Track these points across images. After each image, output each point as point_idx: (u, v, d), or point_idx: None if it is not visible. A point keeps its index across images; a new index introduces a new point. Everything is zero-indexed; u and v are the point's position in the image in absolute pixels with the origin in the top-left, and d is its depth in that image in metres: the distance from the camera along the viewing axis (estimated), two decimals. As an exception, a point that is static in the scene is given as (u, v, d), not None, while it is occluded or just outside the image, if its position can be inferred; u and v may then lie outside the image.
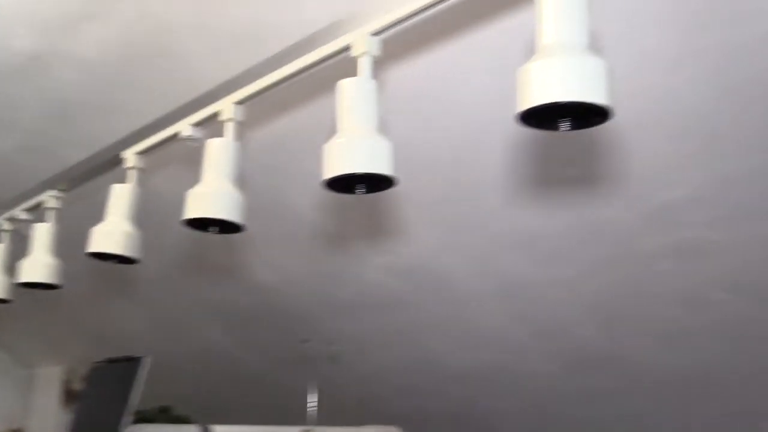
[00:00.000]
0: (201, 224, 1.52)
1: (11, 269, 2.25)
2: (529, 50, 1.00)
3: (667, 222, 2.50)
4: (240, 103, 1.53)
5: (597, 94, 0.93)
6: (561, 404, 3.57)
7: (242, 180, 1.52)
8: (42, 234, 2.11)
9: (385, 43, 1.29)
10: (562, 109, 0.98)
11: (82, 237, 1.87)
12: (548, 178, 2.57)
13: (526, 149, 2.46)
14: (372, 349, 3.78)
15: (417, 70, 2.24)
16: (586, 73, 0.93)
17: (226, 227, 1.51)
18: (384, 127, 1.26)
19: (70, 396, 5.57)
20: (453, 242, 2.93)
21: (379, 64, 1.27)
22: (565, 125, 1.02)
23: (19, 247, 2.23)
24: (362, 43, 1.27)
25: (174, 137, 1.70)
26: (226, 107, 1.53)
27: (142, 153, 1.81)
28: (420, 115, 2.42)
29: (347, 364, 3.88)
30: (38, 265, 2.08)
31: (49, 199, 2.14)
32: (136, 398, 2.58)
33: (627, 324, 3.01)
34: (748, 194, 2.31)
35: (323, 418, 2.97)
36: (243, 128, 1.56)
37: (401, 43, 2.16)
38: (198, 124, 1.63)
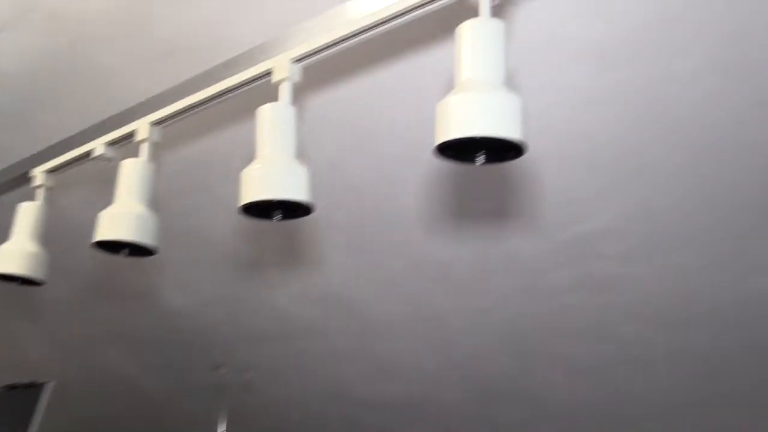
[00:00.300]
0: (112, 247, 1.48)
1: None
2: (449, 85, 1.02)
3: (578, 255, 2.58)
4: (157, 123, 1.50)
5: (511, 129, 0.95)
6: (472, 434, 3.60)
7: (157, 203, 1.49)
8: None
9: (310, 70, 1.29)
10: (478, 143, 1.00)
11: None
12: (464, 210, 2.61)
13: (445, 180, 2.49)
14: (285, 377, 3.73)
15: (341, 98, 2.25)
16: (501, 109, 0.96)
17: (137, 250, 1.47)
18: (304, 153, 1.26)
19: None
20: (368, 271, 2.94)
21: (304, 90, 1.28)
22: (480, 159, 1.04)
23: None
24: (283, 69, 1.27)
25: (87, 156, 1.65)
26: (143, 127, 1.50)
27: (53, 171, 1.75)
28: (340, 144, 2.43)
29: (259, 393, 3.82)
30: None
31: (-50, 215, 2.04)
32: (35, 426, 2.47)
33: (537, 355, 3.08)
34: (659, 227, 2.40)
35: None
36: (160, 150, 1.53)
37: (326, 70, 2.17)
38: (112, 144, 1.59)
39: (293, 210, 1.24)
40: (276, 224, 2.66)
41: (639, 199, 2.32)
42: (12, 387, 2.76)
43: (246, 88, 1.37)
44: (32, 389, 2.63)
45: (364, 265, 2.93)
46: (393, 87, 2.19)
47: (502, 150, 1.00)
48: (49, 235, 1.75)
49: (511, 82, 1.00)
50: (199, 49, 2.13)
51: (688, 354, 2.81)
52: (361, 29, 1.19)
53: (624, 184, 2.29)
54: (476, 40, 1.00)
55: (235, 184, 1.19)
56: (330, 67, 2.15)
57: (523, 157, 0.99)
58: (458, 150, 1.02)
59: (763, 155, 2.09)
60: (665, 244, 2.45)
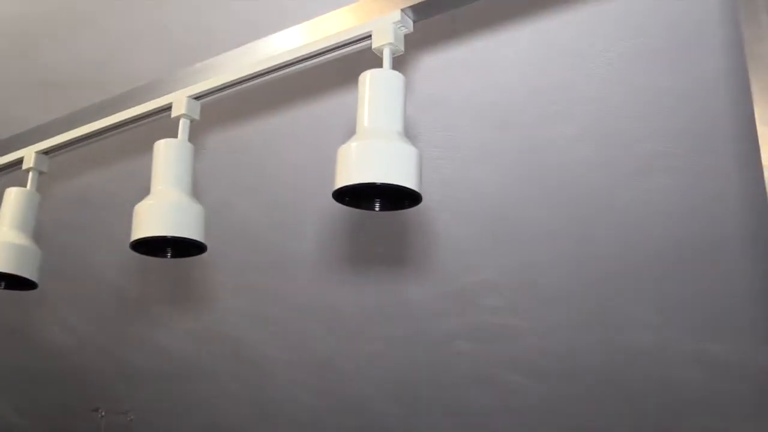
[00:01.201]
0: (-8, 279, 1.41)
1: None
2: (350, 129, 1.03)
3: (466, 304, 2.63)
4: (45, 153, 1.45)
5: (409, 179, 0.97)
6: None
7: (41, 236, 1.43)
8: None
9: (210, 108, 1.28)
10: (376, 190, 1.02)
11: None
12: (357, 255, 2.63)
13: (338, 226, 2.51)
14: (167, 419, 3.61)
15: (240, 138, 2.24)
16: (400, 157, 0.98)
17: (16, 283, 1.41)
18: (199, 191, 1.25)
19: None
20: (256, 313, 2.90)
21: (204, 127, 1.27)
22: (377, 205, 1.06)
23: None
24: (182, 105, 1.25)
25: (-35, 183, 1.57)
26: (29, 155, 1.45)
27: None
28: (235, 184, 2.41)
29: (138, 436, 3.67)
30: None
31: None
32: None
33: (424, 402, 3.10)
34: (536, 283, 2.49)
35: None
36: (48, 181, 1.48)
37: (227, 109, 2.16)
38: (-5, 171, 1.53)
39: (186, 248, 1.22)
40: (164, 262, 2.59)
41: (519, 255, 2.41)
42: None
43: (144, 122, 1.35)
44: None
45: (252, 307, 2.89)
46: (293, 131, 2.20)
47: (399, 198, 1.02)
48: None
49: (408, 133, 1.03)
50: (88, 82, 2.08)
51: (564, 403, 2.90)
52: (264, 71, 1.19)
53: (507, 240, 2.37)
54: (377, 90, 1.03)
55: (126, 219, 1.16)
56: (231, 107, 2.15)
57: (417, 206, 1.01)
58: (355, 196, 1.04)
59: (634, 223, 2.21)
60: (542, 300, 2.54)
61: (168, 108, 1.29)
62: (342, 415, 3.26)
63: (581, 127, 1.98)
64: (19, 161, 1.47)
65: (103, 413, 2.90)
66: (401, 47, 1.05)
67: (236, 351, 3.09)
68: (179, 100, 1.26)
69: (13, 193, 1.43)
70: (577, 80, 1.88)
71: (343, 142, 0.98)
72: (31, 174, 1.45)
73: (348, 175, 0.97)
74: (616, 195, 2.15)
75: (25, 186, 1.45)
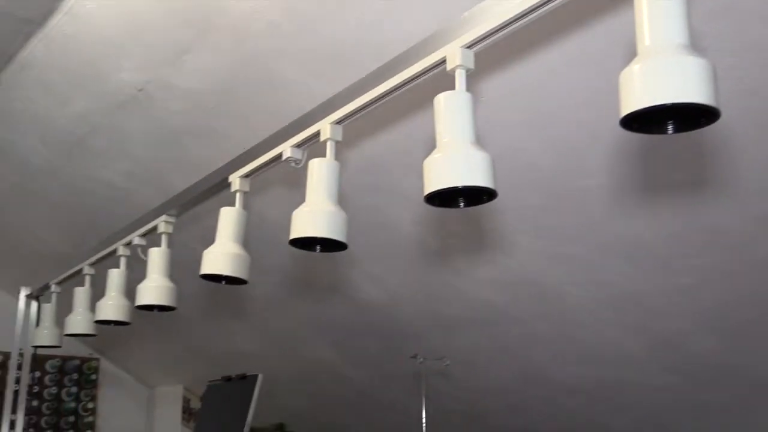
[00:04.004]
0: (306, 243, 1.55)
1: (130, 293, 2.35)
2: (631, 53, 0.97)
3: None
4: (338, 122, 1.56)
5: (703, 94, 0.89)
6: (679, 418, 3.43)
7: (343, 199, 1.55)
8: (157, 258, 2.20)
9: (480, 55, 1.28)
10: (668, 112, 0.95)
11: (194, 260, 1.94)
12: (655, 183, 2.48)
13: (632, 153, 2.39)
14: (480, 364, 3.74)
15: (514, 80, 2.22)
16: (691, 73, 0.90)
17: (330, 246, 1.54)
18: (482, 138, 1.26)
19: (189, 413, 5.77)
20: (557, 253, 2.87)
21: (478, 75, 1.27)
22: (670, 128, 0.99)
23: (137, 271, 2.34)
24: (456, 57, 1.27)
25: (277, 159, 1.74)
26: (325, 127, 1.56)
27: (247, 176, 1.86)
28: (518, 127, 2.39)
29: (456, 380, 3.85)
30: (155, 287, 2.17)
31: (162, 224, 2.23)
32: (251, 415, 2.64)
33: (748, 334, 2.87)
34: None
35: (434, 434, 2.96)
36: (341, 148, 1.58)
37: (496, 53, 2.14)
38: (298, 146, 1.67)
39: (477, 195, 1.24)
40: (460, 211, 2.67)
41: None
42: (228, 379, 2.97)
43: (420, 79, 1.38)
44: (245, 381, 2.82)
45: (551, 249, 2.87)
46: (566, 69, 2.12)
47: (694, 116, 0.94)
48: (248, 236, 1.87)
49: (696, 45, 0.94)
50: (365, 49, 2.18)
51: None
52: (531, 8, 1.16)
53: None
54: (658, 3, 0.95)
55: (416, 176, 1.21)
56: (500, 50, 2.13)
57: (715, 123, 0.93)
58: (644, 121, 0.97)
59: None
60: None
61: (443, 62, 1.31)
62: (656, 351, 3.13)
63: None
64: (317, 134, 1.60)
65: (421, 359, 3.08)
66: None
67: (541, 294, 3.10)
68: (453, 52, 1.28)
69: (316, 164, 1.55)
70: None
71: (625, 65, 0.93)
72: (328, 144, 1.57)
73: (635, 100, 0.91)
74: None
75: (321, 156, 1.57)
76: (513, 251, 2.93)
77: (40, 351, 3.28)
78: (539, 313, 3.24)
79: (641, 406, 3.45)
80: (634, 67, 0.92)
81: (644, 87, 0.91)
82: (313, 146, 1.65)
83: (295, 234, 1.50)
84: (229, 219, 1.84)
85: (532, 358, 3.53)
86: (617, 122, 0.95)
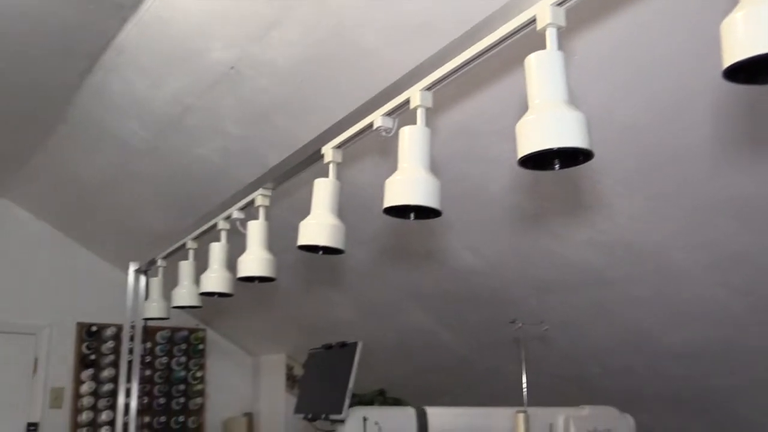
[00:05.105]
0: (400, 211, 1.56)
1: (231, 265, 2.43)
2: (732, 1, 0.92)
3: None
4: (427, 89, 1.55)
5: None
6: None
7: (435, 166, 1.54)
8: (255, 230, 2.26)
9: (569, 12, 1.25)
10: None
11: (291, 231, 1.98)
12: (761, 137, 2.36)
13: (736, 106, 2.28)
14: (579, 327, 3.69)
15: (607, 35, 2.14)
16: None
17: (424, 213, 1.54)
18: (574, 98, 1.23)
19: (292, 380, 5.94)
20: (657, 212, 2.78)
21: (568, 34, 1.24)
22: (777, 77, 0.94)
23: (236, 244, 2.41)
24: (547, 15, 1.24)
25: (368, 129, 1.75)
26: (415, 94, 1.56)
27: (339, 147, 1.88)
28: (610, 85, 2.32)
29: (556, 345, 3.82)
30: (255, 259, 2.23)
31: (259, 197, 2.28)
32: (352, 381, 2.69)
33: None
34: None
35: (536, 399, 2.94)
36: (432, 115, 1.57)
37: (586, 11, 2.08)
38: (389, 114, 1.67)
39: (572, 156, 1.22)
40: (555, 174, 2.62)
41: None
42: (328, 347, 3.03)
43: (510, 40, 1.36)
44: (345, 348, 2.87)
45: (652, 208, 2.78)
46: (661, 15, 2.04)
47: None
48: (342, 206, 1.89)
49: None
50: (451, 14, 2.15)
51: None
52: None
53: None
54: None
55: (507, 140, 1.19)
56: (591, 5, 2.06)
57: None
58: (749, 71, 0.93)
59: None
60: None
61: (533, 21, 1.28)
62: (763, 313, 3.00)
63: None
64: (407, 102, 1.59)
65: (520, 324, 3.06)
66: None
67: (639, 255, 3.02)
68: (543, 10, 1.25)
69: (407, 132, 1.55)
70: None
71: (723, 16, 0.88)
72: (419, 111, 1.56)
73: (740, 49, 0.87)
74: None
75: (412, 124, 1.56)
76: (611, 212, 2.86)
77: (150, 323, 3.43)
78: (639, 275, 3.15)
79: (746, 368, 3.33)
80: (737, 15, 0.87)
81: (749, 35, 0.86)
82: (403, 114, 1.65)
83: (389, 202, 1.51)
84: (323, 190, 1.87)
85: (633, 321, 3.45)
86: (719, 74, 0.90)
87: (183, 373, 5.93)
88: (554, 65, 1.22)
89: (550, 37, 1.23)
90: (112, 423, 5.36)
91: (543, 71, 1.22)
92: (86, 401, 5.51)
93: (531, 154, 1.18)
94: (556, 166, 1.25)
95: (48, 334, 5.53)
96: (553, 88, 1.21)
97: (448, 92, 1.56)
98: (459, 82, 1.51)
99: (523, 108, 1.23)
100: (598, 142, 1.18)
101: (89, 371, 5.57)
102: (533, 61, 1.23)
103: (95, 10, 2.74)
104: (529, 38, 1.31)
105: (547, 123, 1.17)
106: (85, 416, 5.47)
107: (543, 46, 1.24)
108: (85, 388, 5.52)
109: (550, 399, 3.24)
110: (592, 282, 3.31)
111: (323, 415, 2.58)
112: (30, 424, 5.35)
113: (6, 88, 3.50)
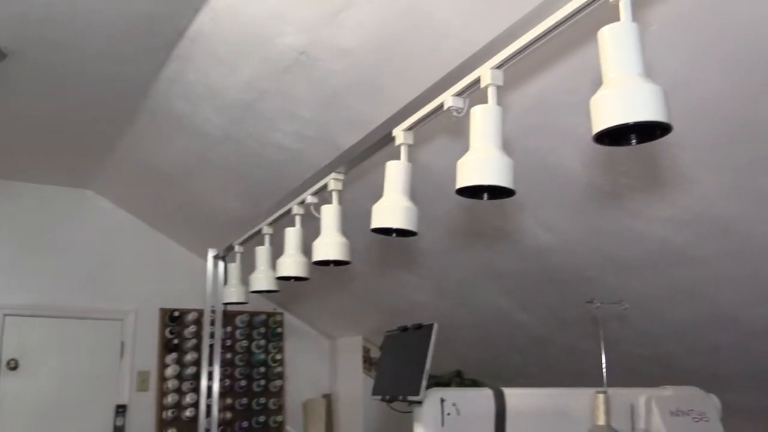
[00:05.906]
0: (473, 192, 1.55)
1: (306, 250, 2.46)
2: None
3: None
4: (498, 67, 1.53)
5: None
6: None
7: (507, 143, 1.52)
8: (329, 214, 2.29)
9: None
10: None
11: (364, 214, 1.99)
12: None
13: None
14: (660, 306, 3.60)
15: (681, 4, 2.07)
16: None
17: (497, 192, 1.52)
18: (651, 71, 1.19)
19: (369, 362, 6.00)
20: (740, 187, 2.68)
21: (643, 7, 1.20)
22: None
23: (311, 228, 2.44)
24: (620, -15, 1.20)
25: (438, 109, 1.74)
26: (485, 73, 1.54)
27: (410, 129, 1.88)
28: (687, 56, 2.24)
29: (636, 324, 3.74)
30: (329, 243, 2.25)
31: (332, 181, 2.30)
32: (429, 362, 2.70)
33: None
34: None
35: (616, 379, 2.89)
36: (503, 92, 1.55)
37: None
38: (459, 94, 1.65)
39: (651, 131, 1.18)
40: (632, 149, 2.55)
41: None
42: (404, 329, 3.05)
43: (581, 14, 1.33)
44: (421, 330, 2.88)
45: (734, 183, 2.68)
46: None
47: None
48: (415, 188, 1.89)
49: None
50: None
51: None
52: None
53: None
54: None
55: (580, 115, 1.17)
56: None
57: None
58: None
59: None
60: None
61: (605, -8, 1.25)
62: None
63: None
64: (477, 81, 1.58)
65: (598, 304, 3.01)
66: None
67: (724, 231, 2.92)
68: (616, -19, 1.21)
69: (479, 111, 1.54)
70: None
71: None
72: (490, 90, 1.54)
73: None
74: None
75: (483, 103, 1.54)
76: (691, 187, 2.77)
77: (229, 307, 3.52)
78: (723, 252, 3.05)
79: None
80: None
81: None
82: (474, 93, 1.63)
83: (461, 183, 1.50)
84: (395, 172, 1.87)
85: (716, 299, 3.35)
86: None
87: (263, 356, 6.06)
88: (629, 37, 1.19)
89: (624, 8, 1.20)
90: (195, 405, 5.53)
91: (617, 44, 1.19)
92: (171, 384, 5.70)
93: (607, 129, 1.15)
94: (633, 141, 1.22)
95: (133, 319, 5.73)
96: (628, 61, 1.18)
97: (520, 67, 1.54)
98: (531, 56, 1.49)
99: (598, 82, 1.20)
100: (676, 114, 1.14)
101: (173, 355, 5.75)
102: (607, 33, 1.20)
103: (169, 1, 2.81)
104: (602, 10, 1.28)
105: (623, 97, 1.14)
106: (170, 398, 5.65)
107: (615, 19, 1.21)
108: (169, 371, 5.70)
109: (629, 380, 3.18)
110: (672, 260, 3.23)
111: (401, 397, 2.60)
112: (119, 406, 5.56)
113: (87, 81, 3.63)
